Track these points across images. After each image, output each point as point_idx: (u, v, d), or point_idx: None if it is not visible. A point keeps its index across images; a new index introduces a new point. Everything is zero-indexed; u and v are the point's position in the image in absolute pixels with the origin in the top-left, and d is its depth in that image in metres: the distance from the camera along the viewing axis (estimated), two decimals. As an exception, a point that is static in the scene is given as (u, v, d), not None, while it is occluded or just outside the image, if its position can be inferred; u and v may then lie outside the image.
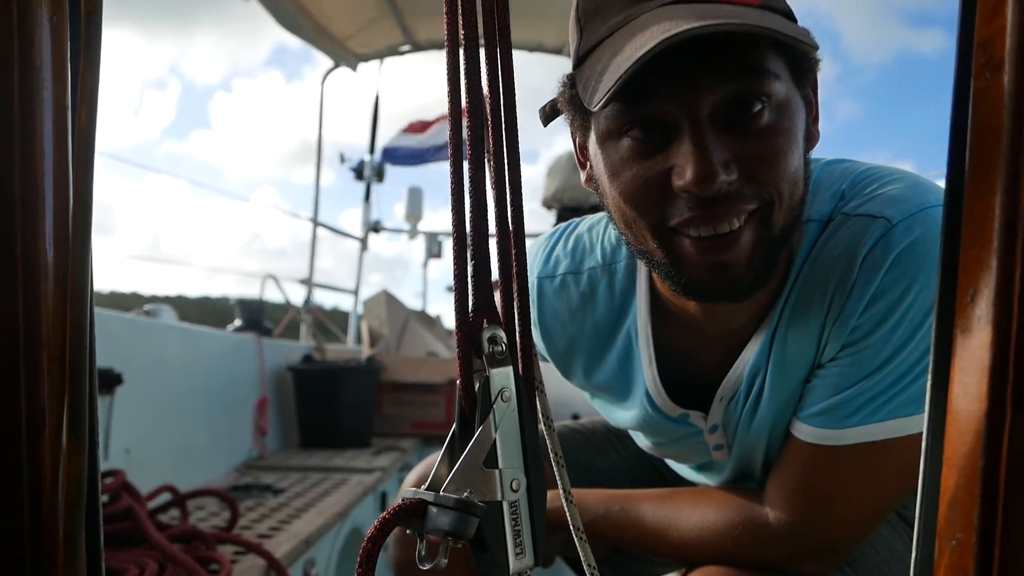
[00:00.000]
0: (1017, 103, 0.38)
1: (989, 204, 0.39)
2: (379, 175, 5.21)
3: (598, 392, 1.00)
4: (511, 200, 0.58)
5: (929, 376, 0.42)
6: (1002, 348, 0.38)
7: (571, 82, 0.78)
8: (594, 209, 1.02)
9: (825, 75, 0.79)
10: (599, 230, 0.96)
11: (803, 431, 0.83)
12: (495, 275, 0.58)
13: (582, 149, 0.82)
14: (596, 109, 0.69)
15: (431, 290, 6.39)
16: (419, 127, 5.31)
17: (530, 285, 0.97)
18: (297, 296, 4.50)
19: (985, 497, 0.38)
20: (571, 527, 0.62)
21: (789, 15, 0.73)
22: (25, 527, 0.40)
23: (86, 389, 0.40)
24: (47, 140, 0.39)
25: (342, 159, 5.28)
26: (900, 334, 0.75)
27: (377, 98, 5.08)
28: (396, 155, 5.22)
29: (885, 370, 0.77)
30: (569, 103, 0.80)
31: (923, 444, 0.45)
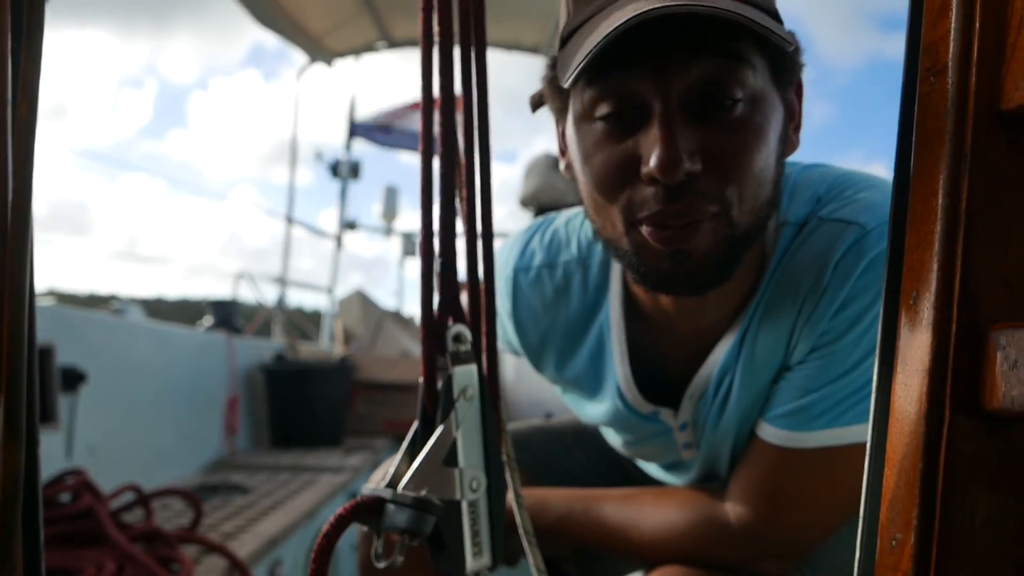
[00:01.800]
0: (960, 108, 0.39)
1: (931, 207, 0.39)
2: (354, 172, 5.19)
3: (569, 387, 1.00)
4: (481, 200, 0.58)
5: (874, 377, 0.43)
6: (942, 350, 0.38)
7: (553, 63, 0.78)
8: (571, 208, 1.02)
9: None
10: (575, 224, 0.96)
11: (768, 432, 0.84)
12: (462, 275, 0.58)
13: (562, 136, 0.82)
14: (567, 85, 0.69)
15: (408, 289, 6.36)
16: (399, 113, 5.23)
17: (505, 277, 0.97)
18: (273, 295, 4.47)
19: (924, 498, 0.38)
20: (520, 531, 0.62)
21: (774, 14, 0.72)
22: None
23: (23, 388, 0.40)
24: (-16, 133, 0.38)
25: (318, 156, 5.25)
26: (869, 340, 0.75)
27: (353, 97, 5.06)
28: (367, 129, 5.12)
29: (852, 375, 0.77)
30: (550, 85, 0.79)
31: (867, 444, 0.45)
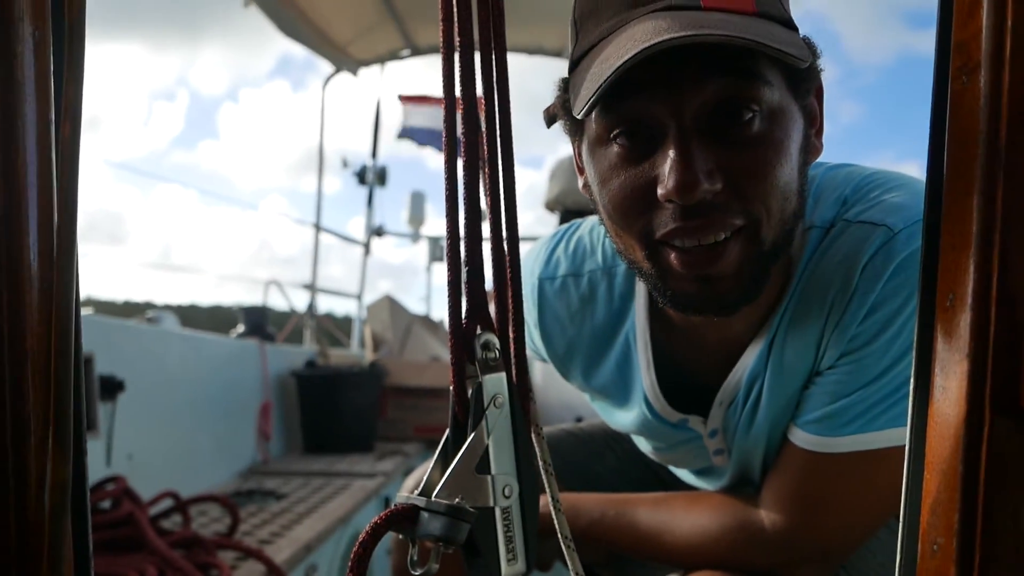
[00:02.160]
0: (993, 106, 0.38)
1: (967, 207, 0.39)
2: (381, 179, 5.22)
3: (597, 395, 1.00)
4: (506, 205, 0.58)
5: (911, 380, 0.42)
6: (981, 351, 0.38)
7: (565, 86, 0.78)
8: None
9: (826, 78, 0.78)
10: (600, 232, 0.95)
11: (799, 437, 0.83)
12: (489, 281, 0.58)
13: (578, 154, 0.82)
14: (580, 116, 0.68)
15: (436, 294, 6.39)
16: (420, 99, 5.20)
17: (531, 286, 0.97)
18: (302, 302, 4.52)
19: (965, 502, 0.38)
20: (559, 536, 0.62)
21: (787, 23, 0.71)
22: (11, 534, 0.40)
23: (71, 399, 0.41)
24: (30, 153, 0.39)
25: (344, 163, 5.29)
26: (900, 344, 0.74)
27: (379, 103, 5.09)
28: (415, 132, 5.11)
29: (883, 379, 0.76)
30: (563, 108, 0.79)
31: (906, 448, 0.45)
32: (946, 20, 0.42)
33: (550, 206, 4.99)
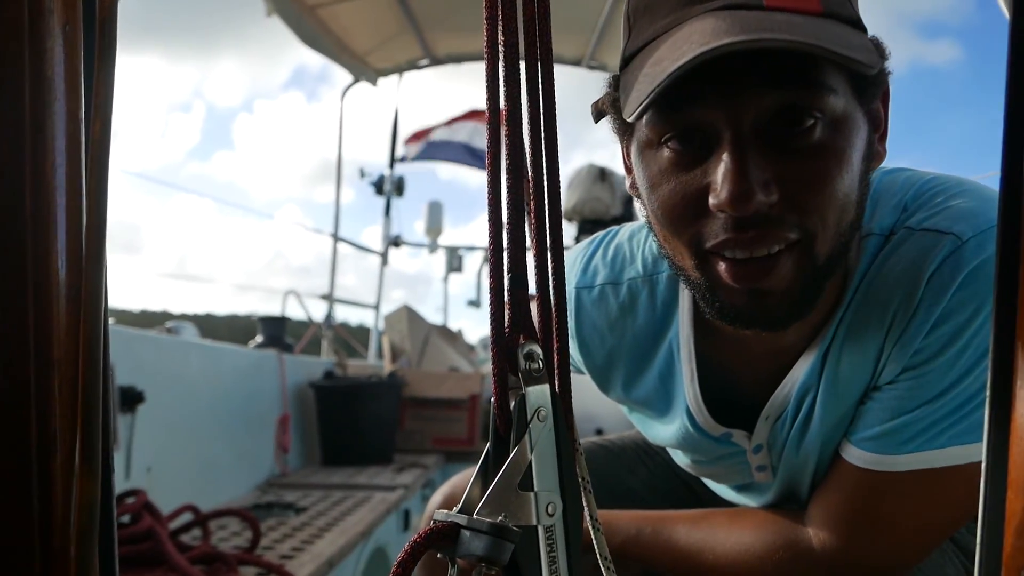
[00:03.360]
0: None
1: (1053, 211, 0.36)
2: (399, 189, 5.23)
3: (637, 407, 0.97)
4: (550, 212, 0.56)
5: (987, 394, 0.39)
6: (1073, 364, 0.35)
7: (616, 84, 0.75)
8: (615, 221, 0.99)
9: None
10: (640, 239, 0.92)
11: (854, 455, 0.79)
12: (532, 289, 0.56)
13: (627, 154, 0.78)
14: (631, 120, 0.66)
15: (452, 305, 6.38)
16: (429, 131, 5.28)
17: (567, 296, 0.94)
18: (319, 312, 4.51)
19: (1059, 525, 0.35)
20: (598, 556, 0.59)
21: (855, 23, 0.68)
22: (36, 555, 0.38)
23: (99, 412, 0.39)
24: (59, 153, 0.38)
25: (362, 174, 5.30)
26: (967, 359, 0.70)
27: (396, 112, 5.11)
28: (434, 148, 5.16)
29: (948, 396, 0.72)
30: (612, 106, 0.75)
31: (983, 467, 0.42)
32: (1019, 18, 0.39)
33: (568, 216, 4.98)
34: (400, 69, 4.65)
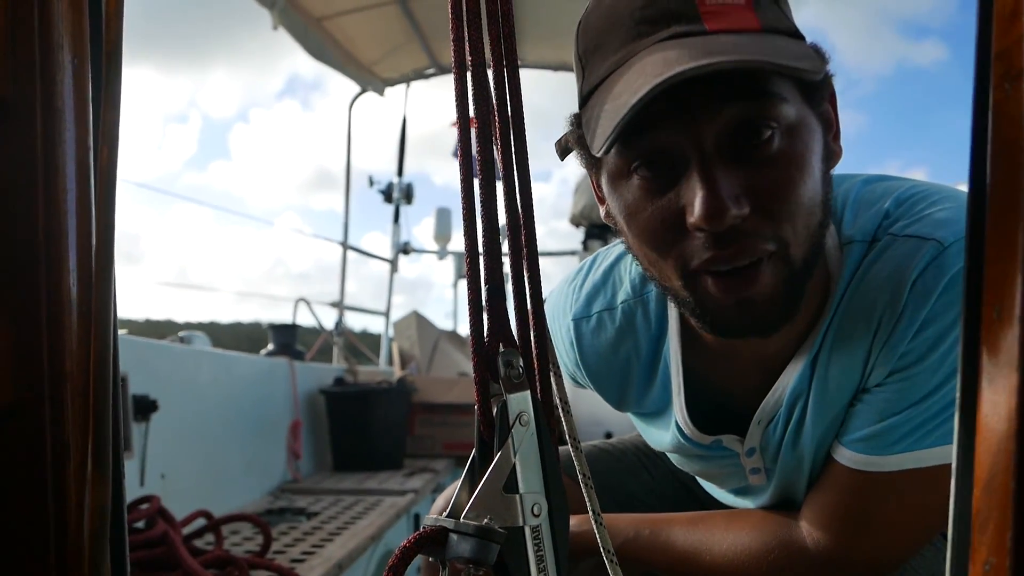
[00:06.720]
0: (1038, 114, 0.37)
1: (1013, 218, 0.38)
2: (408, 197, 5.25)
3: (646, 419, 0.99)
4: (523, 222, 0.58)
5: (957, 395, 0.41)
6: (1031, 365, 0.37)
7: (578, 121, 0.77)
8: None
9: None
10: (628, 262, 0.95)
11: (845, 456, 0.81)
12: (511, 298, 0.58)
13: (596, 185, 0.81)
14: (599, 155, 0.68)
15: (462, 310, 6.39)
16: None
17: (566, 328, 0.96)
18: (328, 319, 4.54)
19: (1017, 519, 0.37)
20: (601, 550, 0.61)
21: (794, 33, 0.71)
22: (52, 555, 0.40)
23: (109, 421, 0.41)
24: (70, 180, 0.40)
25: (371, 182, 5.33)
26: (952, 360, 0.72)
27: (404, 121, 5.13)
28: None
29: (934, 397, 0.74)
30: (578, 143, 0.78)
31: (953, 468, 0.44)
32: (985, 27, 0.41)
33: (575, 221, 5.00)
34: (407, 78, 4.68)
